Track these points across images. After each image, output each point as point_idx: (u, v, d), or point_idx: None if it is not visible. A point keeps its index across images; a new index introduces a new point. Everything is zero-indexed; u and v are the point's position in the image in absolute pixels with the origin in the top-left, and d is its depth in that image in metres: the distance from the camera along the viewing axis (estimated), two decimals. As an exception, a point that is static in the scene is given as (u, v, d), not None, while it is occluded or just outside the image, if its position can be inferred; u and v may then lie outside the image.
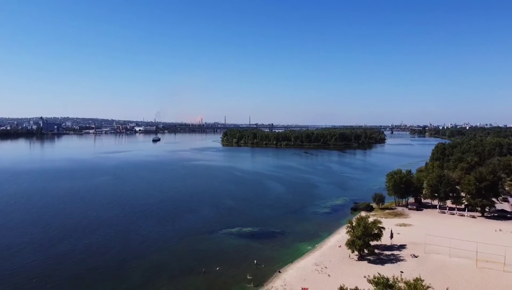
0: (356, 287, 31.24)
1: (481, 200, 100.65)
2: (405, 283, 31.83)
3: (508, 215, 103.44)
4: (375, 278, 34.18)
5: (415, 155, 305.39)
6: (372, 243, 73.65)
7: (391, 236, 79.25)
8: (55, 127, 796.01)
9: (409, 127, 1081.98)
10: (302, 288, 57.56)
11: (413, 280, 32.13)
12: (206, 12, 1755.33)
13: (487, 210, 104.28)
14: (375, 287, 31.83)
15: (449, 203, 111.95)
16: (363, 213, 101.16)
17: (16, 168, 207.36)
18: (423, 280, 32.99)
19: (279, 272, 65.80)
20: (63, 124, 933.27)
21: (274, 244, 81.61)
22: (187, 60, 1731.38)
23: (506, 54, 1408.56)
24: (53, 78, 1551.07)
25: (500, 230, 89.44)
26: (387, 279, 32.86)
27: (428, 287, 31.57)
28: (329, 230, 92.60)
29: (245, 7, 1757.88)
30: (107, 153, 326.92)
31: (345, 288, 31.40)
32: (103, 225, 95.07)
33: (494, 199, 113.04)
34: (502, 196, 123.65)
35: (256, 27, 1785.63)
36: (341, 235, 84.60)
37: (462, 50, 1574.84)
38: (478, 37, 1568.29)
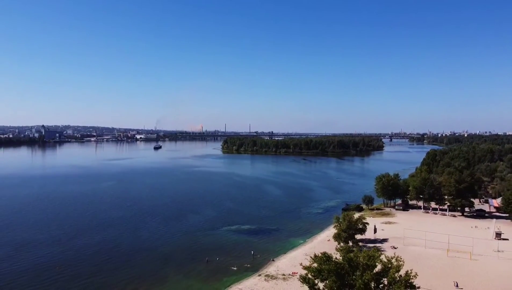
0: (325, 252, 39.72)
1: (460, 200, 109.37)
2: (364, 251, 40.23)
3: (486, 215, 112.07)
4: (341, 247, 42.82)
5: (410, 161, 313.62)
6: (357, 237, 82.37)
7: (375, 231, 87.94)
8: (57, 135, 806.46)
9: (409, 135, 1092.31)
10: (292, 273, 66.08)
11: (371, 251, 40.53)
12: (206, 20, 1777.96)
13: (467, 210, 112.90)
14: (340, 253, 40.31)
15: (433, 204, 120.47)
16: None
17: (24, 174, 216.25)
18: (379, 251, 41.41)
19: (273, 260, 74.50)
20: (64, 132, 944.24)
21: (269, 239, 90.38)
22: (188, 69, 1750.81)
23: (507, 62, 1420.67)
24: (54, 87, 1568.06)
25: (475, 227, 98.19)
26: (350, 246, 41.35)
27: (381, 254, 39.98)
28: (321, 227, 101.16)
29: (246, 16, 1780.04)
30: (110, 160, 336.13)
31: (318, 254, 39.89)
32: (113, 223, 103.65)
33: (475, 200, 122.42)
34: (484, 197, 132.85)
35: (256, 37, 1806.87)
36: (331, 231, 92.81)
37: (462, 59, 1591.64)
38: (479, 45, 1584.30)
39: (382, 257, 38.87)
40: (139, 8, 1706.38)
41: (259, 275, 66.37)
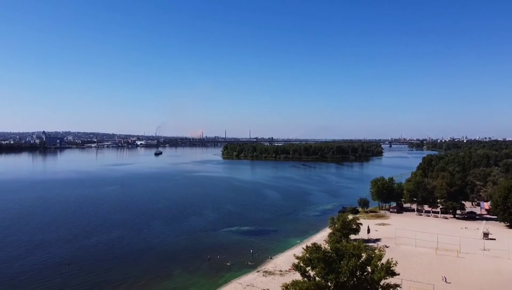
0: (315, 243, 43.95)
1: (451, 203, 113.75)
2: (350, 243, 44.53)
3: (477, 217, 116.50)
4: (330, 239, 47.18)
5: (408, 166, 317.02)
6: (351, 237, 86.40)
7: (368, 231, 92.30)
8: (58, 141, 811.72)
9: (408, 140, 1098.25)
10: (289, 269, 70.09)
11: (357, 242, 44.83)
12: (207, 29, 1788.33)
13: (458, 212, 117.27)
14: (329, 244, 44.56)
15: (426, 207, 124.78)
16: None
17: (29, 178, 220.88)
18: (364, 243, 45.72)
19: (271, 258, 78.90)
20: (65, 138, 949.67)
21: (268, 239, 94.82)
22: (188, 75, 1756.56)
23: (507, 68, 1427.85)
24: (55, 93, 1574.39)
25: (465, 228, 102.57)
26: (337, 238, 45.74)
27: (365, 246, 44.28)
28: (317, 229, 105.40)
29: (246, 25, 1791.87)
30: (112, 165, 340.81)
31: (309, 245, 44.08)
32: (118, 225, 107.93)
33: (468, 203, 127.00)
34: (476, 200, 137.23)
35: (256, 45, 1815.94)
36: (327, 232, 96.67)
37: (462, 65, 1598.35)
38: (479, 50, 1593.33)
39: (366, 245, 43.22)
40: (138, 17, 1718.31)
41: (258, 271, 70.62)
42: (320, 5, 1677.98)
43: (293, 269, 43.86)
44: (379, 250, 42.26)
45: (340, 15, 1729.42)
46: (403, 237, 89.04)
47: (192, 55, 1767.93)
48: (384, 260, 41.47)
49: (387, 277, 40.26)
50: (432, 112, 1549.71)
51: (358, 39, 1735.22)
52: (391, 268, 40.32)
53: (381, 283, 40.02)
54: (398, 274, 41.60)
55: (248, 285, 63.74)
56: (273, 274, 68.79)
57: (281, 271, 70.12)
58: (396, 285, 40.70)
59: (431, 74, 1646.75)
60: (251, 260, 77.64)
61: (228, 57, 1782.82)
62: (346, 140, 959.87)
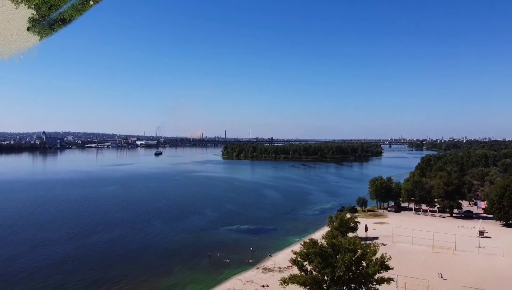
0: (312, 238, 45.48)
1: (448, 202, 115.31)
2: (346, 238, 46.09)
3: (474, 216, 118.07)
4: (326, 235, 48.75)
5: (407, 166, 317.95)
6: (349, 235, 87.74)
7: (366, 230, 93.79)
8: (58, 141, 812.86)
9: (408, 141, 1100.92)
10: (288, 266, 71.57)
11: (352, 238, 46.40)
12: (207, 30, 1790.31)
13: (455, 211, 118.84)
14: (326, 240, 46.15)
15: (424, 206, 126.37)
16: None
17: (29, 179, 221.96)
18: (360, 239, 47.40)
19: (270, 256, 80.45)
20: (65, 138, 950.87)
21: (267, 237, 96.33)
22: (188, 76, 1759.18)
23: (508, 69, 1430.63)
24: (55, 94, 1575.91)
25: (462, 226, 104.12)
26: (334, 234, 47.32)
27: (362, 242, 45.84)
28: (316, 227, 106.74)
29: (246, 26, 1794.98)
30: (112, 165, 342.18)
31: (307, 241, 45.62)
32: (119, 224, 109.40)
33: (465, 202, 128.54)
34: (474, 200, 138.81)
35: (257, 46, 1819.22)
36: (325, 231, 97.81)
37: (463, 66, 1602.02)
38: (480, 51, 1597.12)
39: (362, 243, 44.81)
40: (138, 17, 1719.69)
41: (257, 268, 72.14)
42: (320, 5, 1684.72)
43: (291, 263, 45.31)
44: (374, 245, 43.74)
45: (340, 15, 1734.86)
46: (400, 235, 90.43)
47: (192, 55, 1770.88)
48: (378, 256, 42.97)
49: (382, 271, 41.76)
50: (432, 112, 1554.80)
51: (358, 39, 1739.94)
52: (385, 263, 41.84)
53: (376, 277, 41.54)
54: (392, 268, 43.13)
55: (247, 281, 65.23)
56: (272, 270, 70.31)
57: (280, 267, 71.65)
58: (390, 279, 42.23)
59: (431, 74, 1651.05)
60: (251, 258, 79.17)
61: (228, 57, 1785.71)
62: (346, 140, 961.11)
